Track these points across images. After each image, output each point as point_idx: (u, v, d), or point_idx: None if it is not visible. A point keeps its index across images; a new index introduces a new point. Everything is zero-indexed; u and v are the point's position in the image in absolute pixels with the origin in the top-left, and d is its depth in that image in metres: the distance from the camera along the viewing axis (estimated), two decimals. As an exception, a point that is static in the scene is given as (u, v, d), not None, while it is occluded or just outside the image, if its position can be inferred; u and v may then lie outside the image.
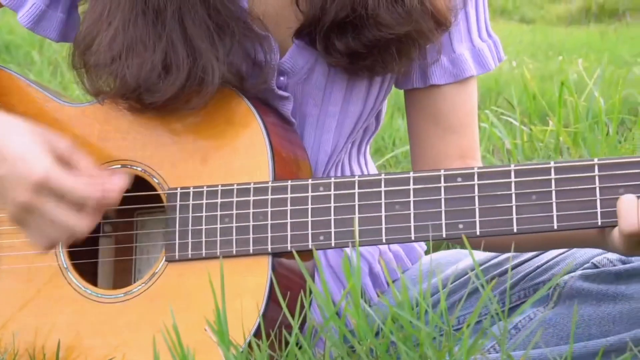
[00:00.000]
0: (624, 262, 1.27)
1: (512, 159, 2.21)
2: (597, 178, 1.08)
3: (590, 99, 2.35)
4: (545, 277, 1.35)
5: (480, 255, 1.47)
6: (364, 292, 1.42)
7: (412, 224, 1.13)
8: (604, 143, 2.01)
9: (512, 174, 1.11)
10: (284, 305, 1.05)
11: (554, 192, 1.09)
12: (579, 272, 1.31)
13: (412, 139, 1.41)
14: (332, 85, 1.33)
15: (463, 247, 1.37)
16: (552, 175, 1.09)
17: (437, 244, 1.95)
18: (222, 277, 1.04)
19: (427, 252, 1.58)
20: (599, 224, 1.07)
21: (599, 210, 1.07)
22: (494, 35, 1.39)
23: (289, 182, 1.19)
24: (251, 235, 1.19)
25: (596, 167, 1.08)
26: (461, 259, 1.49)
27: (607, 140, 2.02)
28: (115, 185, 1.20)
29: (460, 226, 1.12)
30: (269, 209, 1.19)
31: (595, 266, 1.30)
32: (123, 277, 1.35)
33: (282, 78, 1.31)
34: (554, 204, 1.09)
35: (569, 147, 2.05)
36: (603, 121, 2.02)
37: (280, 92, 1.31)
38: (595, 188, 1.08)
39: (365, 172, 1.50)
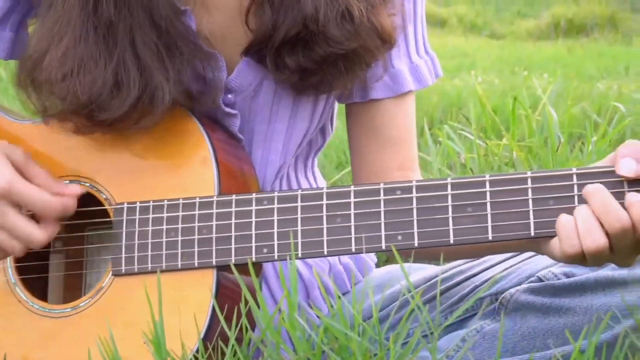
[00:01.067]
0: (568, 276, 1.30)
1: (467, 173, 2.25)
2: (529, 190, 1.11)
3: (544, 114, 2.39)
4: (491, 291, 1.38)
5: (430, 269, 1.50)
6: (314, 305, 1.44)
7: (353, 236, 1.16)
8: (553, 157, 2.05)
9: (449, 186, 1.13)
10: (221, 318, 1.07)
11: (488, 204, 1.12)
12: (524, 285, 1.34)
13: (353, 152, 1.44)
14: (279, 102, 1.35)
15: (416, 260, 1.40)
16: (487, 188, 1.12)
17: (390, 257, 1.97)
18: (160, 290, 1.06)
19: (378, 265, 1.61)
20: (532, 234, 1.10)
21: (531, 221, 1.10)
22: (431, 52, 1.43)
23: (234, 197, 1.21)
24: (196, 249, 1.20)
25: (529, 180, 1.11)
26: (410, 273, 1.52)
27: (555, 155, 2.06)
28: (72, 196, 1.22)
29: (399, 238, 1.14)
30: (214, 223, 1.21)
31: (540, 280, 1.33)
32: (73, 292, 1.36)
33: (229, 95, 1.33)
34: (489, 216, 1.11)
35: (522, 161, 2.09)
36: (553, 135, 2.06)
37: (227, 110, 1.33)
38: (528, 200, 1.10)
39: (314, 186, 1.52)
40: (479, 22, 17.27)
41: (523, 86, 5.58)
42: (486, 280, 1.40)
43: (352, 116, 1.42)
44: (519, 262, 1.39)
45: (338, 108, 1.48)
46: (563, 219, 1.09)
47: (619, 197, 1.07)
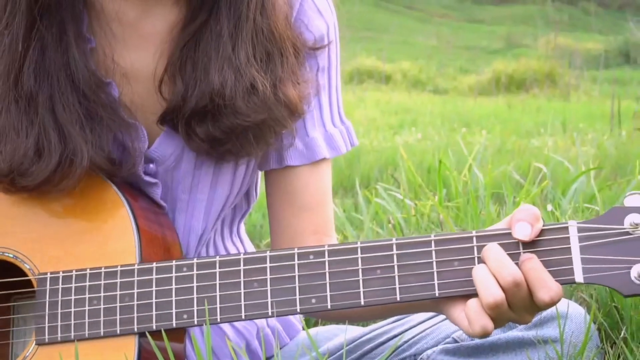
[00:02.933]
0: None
1: (397, 233, 2.31)
2: (433, 252, 1.16)
3: (472, 174, 2.47)
4: (410, 352, 1.43)
5: (355, 331, 1.54)
6: None
7: (269, 300, 1.20)
8: (476, 218, 2.12)
9: (359, 250, 1.19)
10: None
11: (396, 267, 1.17)
12: (440, 346, 1.40)
13: (270, 217, 1.48)
14: (200, 172, 1.40)
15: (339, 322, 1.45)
16: (394, 251, 1.17)
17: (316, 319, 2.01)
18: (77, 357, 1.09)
19: (307, 327, 1.65)
20: (437, 295, 1.15)
21: (436, 282, 1.15)
22: (346, 122, 1.49)
23: (154, 264, 1.25)
24: (118, 316, 1.24)
25: (432, 242, 1.17)
26: (337, 334, 1.57)
27: (478, 216, 2.13)
28: None
29: (313, 301, 1.19)
30: (135, 290, 1.24)
31: (455, 341, 1.39)
32: (0, 361, 1.38)
33: (151, 165, 1.38)
34: (396, 278, 1.17)
35: (447, 222, 2.15)
36: (474, 197, 2.13)
37: (147, 179, 1.37)
38: (432, 262, 1.16)
39: (241, 251, 1.57)
40: (422, 77, 17.62)
41: (463, 141, 5.71)
42: (407, 341, 1.45)
43: (270, 182, 1.47)
44: (438, 323, 1.44)
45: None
46: (479, 270, 1.14)
47: (515, 258, 1.13)
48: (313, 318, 2.00)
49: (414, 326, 1.48)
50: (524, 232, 1.12)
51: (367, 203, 2.65)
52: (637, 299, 1.63)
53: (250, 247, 1.62)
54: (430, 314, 1.47)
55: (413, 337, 1.45)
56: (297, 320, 1.61)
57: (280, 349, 1.55)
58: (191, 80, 1.30)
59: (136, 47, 1.35)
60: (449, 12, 37.54)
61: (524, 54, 20.26)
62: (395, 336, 1.47)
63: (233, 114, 1.30)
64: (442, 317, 1.44)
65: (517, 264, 1.12)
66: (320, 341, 1.56)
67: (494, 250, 1.12)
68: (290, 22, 1.37)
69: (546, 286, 1.10)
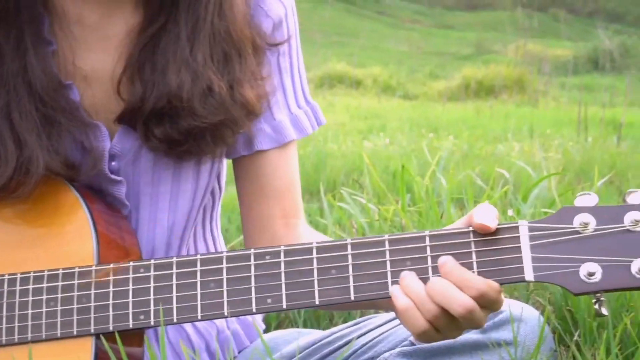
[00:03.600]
0: None
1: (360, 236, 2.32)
2: (387, 252, 1.18)
3: (435, 179, 2.50)
4: (369, 355, 1.45)
5: (315, 334, 1.56)
6: None
7: (225, 300, 1.21)
8: (438, 223, 2.14)
9: (314, 250, 1.20)
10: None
11: (350, 266, 1.19)
12: (397, 349, 1.41)
13: (241, 204, 1.50)
14: (160, 165, 1.40)
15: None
16: (349, 251, 1.19)
17: (279, 321, 2.03)
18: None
19: (268, 330, 1.66)
20: (390, 294, 1.17)
21: (389, 281, 1.17)
22: (312, 102, 1.51)
23: (112, 265, 1.26)
24: (75, 317, 1.24)
25: (386, 242, 1.18)
26: (296, 338, 1.58)
27: (440, 221, 2.15)
28: None
29: (269, 301, 1.20)
30: (92, 292, 1.25)
31: (412, 343, 1.40)
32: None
33: (113, 163, 1.39)
34: (351, 277, 1.18)
35: (409, 226, 2.17)
36: (434, 202, 2.15)
37: (112, 177, 1.38)
38: (385, 261, 1.18)
39: (213, 249, 1.58)
40: (392, 83, 17.68)
41: (430, 146, 5.74)
42: (365, 344, 1.46)
43: (239, 170, 1.48)
44: (397, 326, 1.46)
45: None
46: (394, 291, 1.17)
47: (467, 257, 1.15)
48: (275, 321, 2.01)
49: (373, 329, 1.49)
50: (487, 219, 1.14)
51: (331, 208, 2.67)
52: (590, 303, 1.66)
53: (223, 246, 1.63)
54: (389, 316, 1.48)
55: (371, 340, 1.46)
56: (258, 323, 1.62)
57: (240, 352, 1.56)
58: (149, 82, 1.32)
59: (97, 49, 1.37)
60: (420, 17, 37.76)
61: (494, 60, 20.41)
62: (352, 339, 1.48)
63: (190, 116, 1.31)
64: None
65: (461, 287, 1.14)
66: (280, 345, 1.57)
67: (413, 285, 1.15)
68: (249, 20, 1.38)
69: (457, 301, 1.13)
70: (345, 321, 1.93)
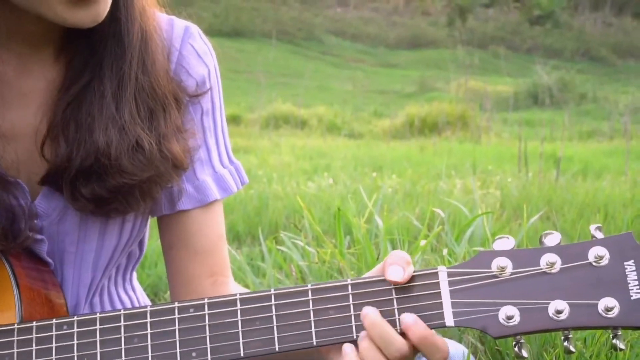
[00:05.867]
0: None
1: (299, 280, 2.33)
2: (310, 302, 1.19)
3: (372, 221, 2.52)
4: None
5: None
6: None
7: (150, 355, 1.20)
8: (373, 264, 2.15)
9: (238, 302, 1.20)
10: None
11: (274, 317, 1.19)
12: None
13: (167, 263, 1.49)
14: (86, 224, 1.39)
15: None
16: (272, 302, 1.19)
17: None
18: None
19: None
20: (315, 343, 1.18)
21: (313, 330, 1.18)
22: (235, 161, 1.52)
23: (34, 323, 1.24)
24: (-3, 378, 1.22)
25: (309, 292, 1.19)
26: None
27: (375, 263, 2.16)
28: None
29: (194, 354, 1.20)
30: (15, 350, 1.23)
31: None
32: None
33: (36, 221, 1.37)
34: (275, 328, 1.18)
35: (346, 269, 2.18)
36: (370, 244, 2.17)
37: (33, 235, 1.36)
38: (309, 311, 1.18)
39: (134, 299, 1.57)
40: (338, 122, 17.80)
41: (373, 185, 5.78)
42: None
43: (163, 228, 1.48)
44: None
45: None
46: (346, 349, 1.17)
47: (389, 304, 1.16)
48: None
49: None
50: (397, 274, 1.16)
51: (270, 252, 2.67)
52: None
53: (143, 295, 1.62)
54: None
55: None
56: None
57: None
58: (75, 141, 1.31)
59: (17, 105, 1.35)
60: (364, 57, 38.18)
61: (437, 97, 20.71)
62: None
63: (119, 173, 1.31)
64: None
65: (393, 322, 1.15)
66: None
67: (377, 324, 1.15)
68: (170, 75, 1.39)
69: (439, 350, 1.14)
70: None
